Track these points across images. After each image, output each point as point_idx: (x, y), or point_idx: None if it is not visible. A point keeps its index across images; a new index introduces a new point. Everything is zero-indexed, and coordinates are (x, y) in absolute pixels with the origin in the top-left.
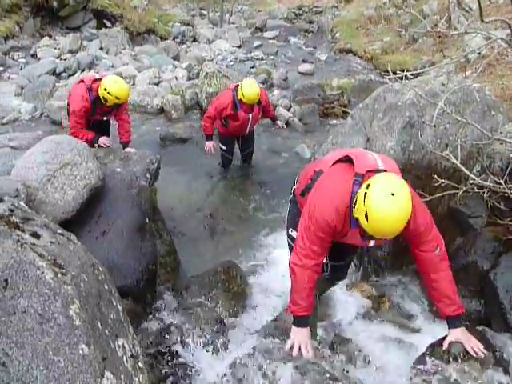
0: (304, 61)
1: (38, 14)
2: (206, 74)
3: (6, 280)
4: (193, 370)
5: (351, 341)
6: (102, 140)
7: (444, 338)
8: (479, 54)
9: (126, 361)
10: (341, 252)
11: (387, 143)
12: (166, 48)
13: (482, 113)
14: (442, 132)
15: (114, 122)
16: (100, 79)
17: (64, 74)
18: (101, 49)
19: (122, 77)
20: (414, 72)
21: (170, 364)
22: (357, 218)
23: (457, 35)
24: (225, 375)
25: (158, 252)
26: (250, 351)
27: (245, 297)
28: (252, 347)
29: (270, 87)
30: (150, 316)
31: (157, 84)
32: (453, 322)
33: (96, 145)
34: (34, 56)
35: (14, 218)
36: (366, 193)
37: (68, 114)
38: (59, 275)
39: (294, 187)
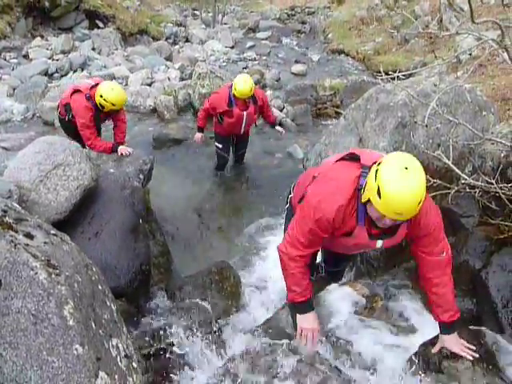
0: (297, 61)
1: (30, 15)
2: (199, 74)
3: None
4: (187, 370)
5: (344, 340)
6: (124, 149)
7: (436, 338)
8: (470, 54)
9: (120, 361)
10: (337, 259)
11: (379, 143)
12: (159, 48)
13: (474, 113)
14: (434, 132)
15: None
16: (96, 85)
17: (56, 75)
18: (93, 49)
19: (114, 77)
20: (406, 73)
21: (163, 364)
22: (365, 207)
23: (448, 36)
24: (219, 375)
25: (151, 253)
26: (245, 351)
27: (238, 297)
28: (246, 347)
29: (262, 88)
30: (144, 317)
31: (149, 85)
32: (446, 328)
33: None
34: (25, 56)
35: (7, 218)
36: (377, 170)
37: (61, 122)
38: (53, 276)
39: (290, 196)
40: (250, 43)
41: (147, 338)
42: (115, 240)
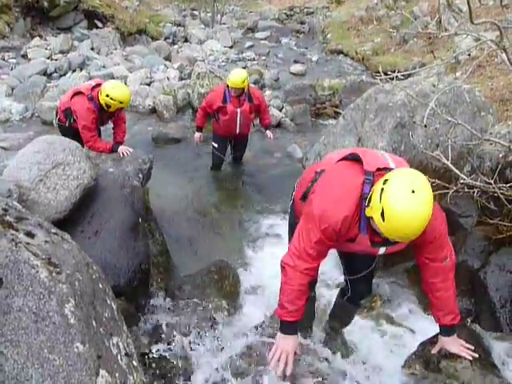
0: (295, 61)
1: (29, 15)
2: (198, 74)
3: (0, 279)
4: (186, 369)
5: (344, 339)
6: (124, 149)
7: (435, 337)
8: (469, 55)
9: (121, 359)
10: (354, 263)
11: (378, 143)
12: (158, 48)
13: (472, 113)
14: (433, 132)
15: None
16: (97, 85)
17: (55, 75)
18: (92, 49)
19: (113, 77)
20: (405, 73)
21: (163, 363)
22: (369, 219)
23: (447, 36)
24: (218, 374)
25: (150, 252)
26: (243, 350)
27: (237, 296)
28: (245, 346)
29: (261, 88)
30: (143, 316)
31: (148, 84)
32: (447, 330)
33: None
34: (24, 56)
35: (8, 217)
36: (382, 189)
37: (60, 129)
38: (54, 274)
39: (293, 192)
40: (248, 43)
41: (146, 337)
42: (115, 239)
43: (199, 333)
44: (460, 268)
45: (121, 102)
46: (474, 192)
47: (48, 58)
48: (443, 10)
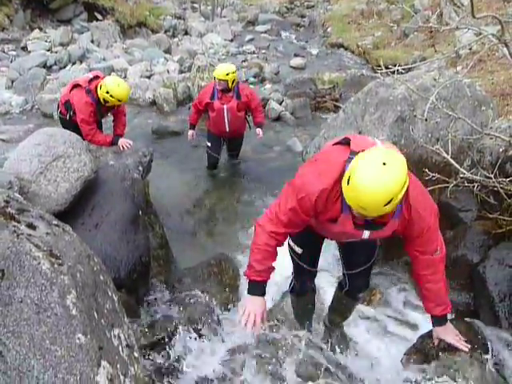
0: (296, 55)
1: (29, 7)
2: (198, 67)
3: (2, 270)
4: (186, 361)
5: (343, 332)
6: (124, 142)
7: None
8: (470, 49)
9: (122, 350)
10: (352, 257)
11: (379, 137)
12: (158, 41)
13: (473, 108)
14: (433, 126)
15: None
16: (95, 78)
17: (55, 67)
18: (92, 42)
19: (113, 70)
20: (406, 67)
21: (163, 356)
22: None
23: (448, 31)
24: (218, 367)
25: (150, 245)
26: (243, 343)
27: (237, 289)
28: (245, 339)
29: (261, 81)
30: (143, 308)
31: (148, 77)
32: (438, 320)
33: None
34: (24, 49)
35: (9, 209)
36: (357, 157)
37: (62, 122)
38: (55, 265)
39: None
40: (249, 36)
41: (146, 330)
42: (115, 231)
43: (199, 326)
44: (459, 262)
45: (119, 100)
46: (473, 186)
47: (48, 51)
48: (444, 4)
